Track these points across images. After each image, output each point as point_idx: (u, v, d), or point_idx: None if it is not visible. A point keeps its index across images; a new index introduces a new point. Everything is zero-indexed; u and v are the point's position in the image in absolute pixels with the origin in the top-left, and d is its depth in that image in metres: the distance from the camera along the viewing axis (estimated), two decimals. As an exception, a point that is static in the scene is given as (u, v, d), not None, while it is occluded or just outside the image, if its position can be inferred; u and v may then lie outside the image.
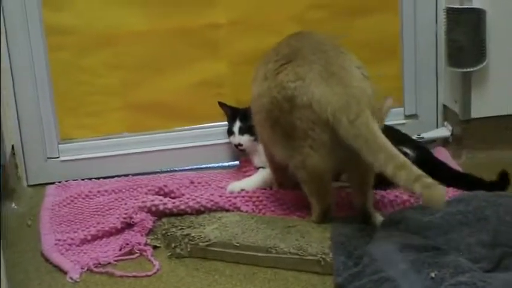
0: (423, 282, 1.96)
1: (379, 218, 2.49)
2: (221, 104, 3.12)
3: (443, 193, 2.11)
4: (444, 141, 3.28)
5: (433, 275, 1.97)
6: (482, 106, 3.15)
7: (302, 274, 2.29)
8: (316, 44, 2.47)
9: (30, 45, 3.07)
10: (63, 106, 3.17)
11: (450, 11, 3.07)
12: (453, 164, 3.03)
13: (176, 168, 3.24)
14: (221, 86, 3.22)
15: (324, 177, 2.43)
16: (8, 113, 3.04)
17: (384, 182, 2.34)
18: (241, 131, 3.03)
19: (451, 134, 3.25)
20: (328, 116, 2.28)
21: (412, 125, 3.22)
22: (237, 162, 3.22)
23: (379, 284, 1.98)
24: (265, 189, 2.81)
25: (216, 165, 3.26)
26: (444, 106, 3.30)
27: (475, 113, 3.16)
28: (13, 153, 3.06)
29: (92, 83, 3.16)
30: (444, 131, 3.28)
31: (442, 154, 3.13)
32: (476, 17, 3.02)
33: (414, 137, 3.13)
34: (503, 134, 3.17)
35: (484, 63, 3.07)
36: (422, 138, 3.21)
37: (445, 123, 3.30)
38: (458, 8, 3.04)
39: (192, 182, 2.99)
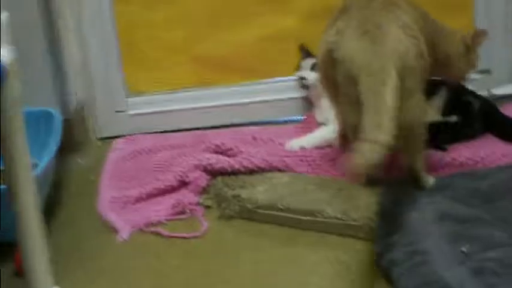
0: (454, 257, 1.91)
1: (430, 181, 2.42)
2: (302, 47, 3.04)
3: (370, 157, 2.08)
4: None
5: (464, 249, 1.92)
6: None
7: (346, 239, 2.27)
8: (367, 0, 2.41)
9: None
10: (131, 60, 3.18)
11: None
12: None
13: (242, 122, 3.21)
14: (289, 40, 3.16)
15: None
16: (76, 66, 3.08)
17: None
18: (312, 67, 2.94)
19: (525, 90, 3.12)
20: (355, 72, 2.24)
21: (484, 80, 3.07)
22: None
23: (411, 257, 1.95)
24: (324, 148, 2.78)
25: (283, 119, 3.23)
26: (519, 60, 3.17)
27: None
28: (81, 107, 3.11)
29: (159, 37, 3.18)
30: (517, 87, 3.15)
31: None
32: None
33: (485, 93, 3.02)
34: None
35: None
36: (494, 94, 3.09)
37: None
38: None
39: (254, 138, 2.95)
